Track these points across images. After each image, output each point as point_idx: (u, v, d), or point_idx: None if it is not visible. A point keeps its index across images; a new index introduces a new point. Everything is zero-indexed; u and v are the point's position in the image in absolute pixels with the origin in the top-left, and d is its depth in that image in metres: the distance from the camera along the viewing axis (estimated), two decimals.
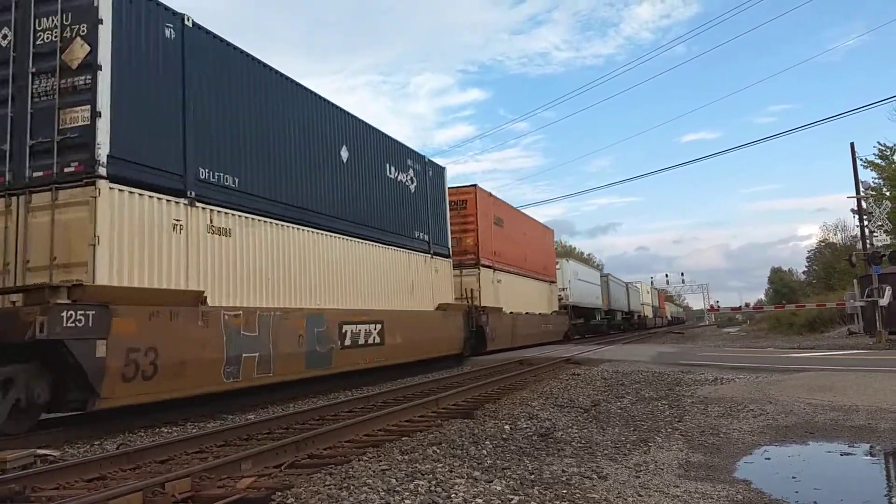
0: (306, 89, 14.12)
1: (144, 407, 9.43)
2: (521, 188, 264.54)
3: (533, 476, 5.61)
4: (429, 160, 20.42)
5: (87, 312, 8.34)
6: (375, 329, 15.51)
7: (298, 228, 13.28)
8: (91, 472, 6.05)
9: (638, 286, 70.78)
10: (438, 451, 6.62)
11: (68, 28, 9.38)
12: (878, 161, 39.57)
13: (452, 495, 4.89)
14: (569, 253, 72.96)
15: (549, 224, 37.03)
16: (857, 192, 27.15)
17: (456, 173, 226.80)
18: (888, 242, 34.00)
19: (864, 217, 27.43)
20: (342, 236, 14.86)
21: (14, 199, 9.34)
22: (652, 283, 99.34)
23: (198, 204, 10.72)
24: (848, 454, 6.89)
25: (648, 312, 74.80)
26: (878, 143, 40.49)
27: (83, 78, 9.22)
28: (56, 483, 5.68)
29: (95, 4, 9.25)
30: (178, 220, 10.28)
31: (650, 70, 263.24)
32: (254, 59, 12.52)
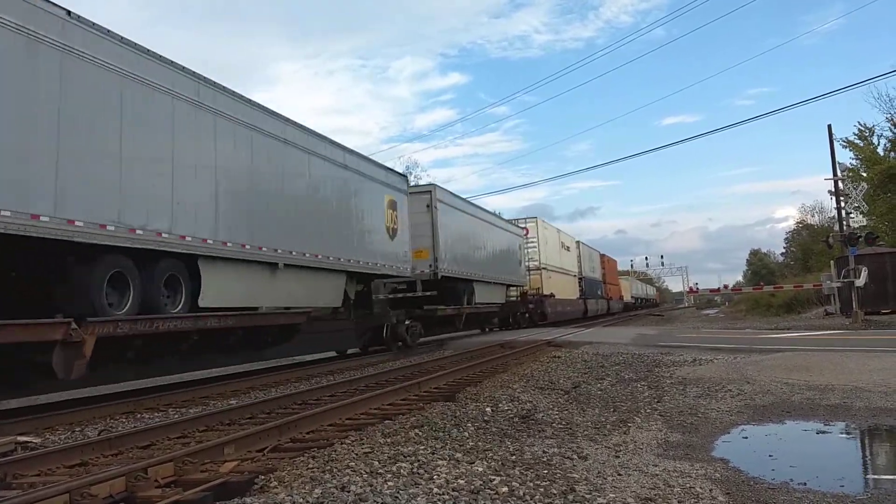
0: None
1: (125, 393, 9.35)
2: (502, 172, 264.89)
3: (514, 457, 5.66)
4: None
5: None
6: None
7: None
8: (73, 458, 6.01)
9: (536, 239, 34.13)
10: (420, 433, 6.66)
11: None
12: (857, 142, 40.06)
13: (435, 476, 4.93)
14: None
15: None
16: (835, 173, 27.39)
17: (436, 158, 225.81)
18: (864, 224, 34.43)
19: (841, 198, 27.66)
20: None
21: None
22: (632, 265, 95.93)
23: None
24: (824, 433, 7.02)
25: (568, 289, 39.38)
26: (858, 122, 40.89)
27: None
28: (37, 470, 5.64)
29: None
30: None
31: (630, 54, 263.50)
32: None
